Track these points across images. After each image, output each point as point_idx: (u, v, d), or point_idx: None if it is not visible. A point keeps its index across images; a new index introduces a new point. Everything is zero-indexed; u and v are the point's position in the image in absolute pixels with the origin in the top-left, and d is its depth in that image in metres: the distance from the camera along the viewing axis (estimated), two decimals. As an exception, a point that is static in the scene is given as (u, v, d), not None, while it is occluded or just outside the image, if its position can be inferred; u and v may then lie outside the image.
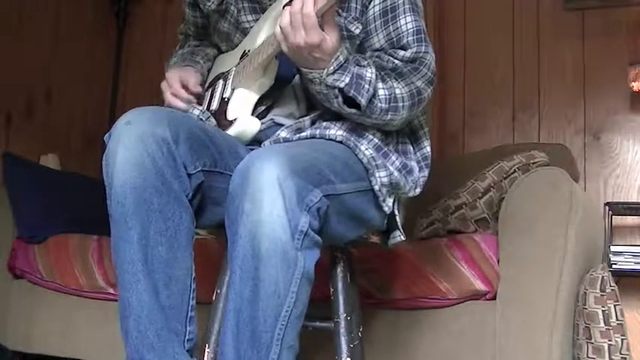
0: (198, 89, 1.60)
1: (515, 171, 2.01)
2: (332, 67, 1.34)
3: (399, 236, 1.47)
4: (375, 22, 1.47)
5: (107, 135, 1.29)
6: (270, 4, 1.54)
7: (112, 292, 2.24)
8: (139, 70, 3.37)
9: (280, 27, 1.32)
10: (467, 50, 2.89)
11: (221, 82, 1.58)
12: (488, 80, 2.83)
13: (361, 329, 1.46)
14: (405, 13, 1.47)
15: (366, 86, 1.37)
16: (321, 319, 1.40)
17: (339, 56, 1.34)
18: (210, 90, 1.61)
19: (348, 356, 1.36)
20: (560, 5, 2.76)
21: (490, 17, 2.87)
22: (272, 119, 1.52)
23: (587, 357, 1.70)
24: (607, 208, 2.35)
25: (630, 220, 2.54)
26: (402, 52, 1.46)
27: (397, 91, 1.41)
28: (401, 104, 1.42)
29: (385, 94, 1.39)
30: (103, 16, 3.34)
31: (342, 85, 1.35)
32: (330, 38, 1.32)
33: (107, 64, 3.34)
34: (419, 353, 1.81)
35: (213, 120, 1.52)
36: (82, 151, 3.20)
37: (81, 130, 3.21)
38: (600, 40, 2.67)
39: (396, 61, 1.45)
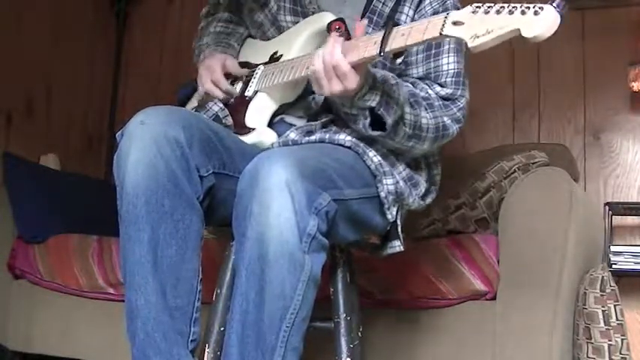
0: (240, 71, 1.55)
1: (515, 171, 2.01)
2: (364, 90, 1.32)
3: (397, 246, 1.47)
4: (417, 54, 1.47)
5: (119, 133, 1.29)
6: (313, 13, 1.52)
7: (112, 292, 2.24)
8: (139, 70, 3.37)
9: (313, 71, 1.31)
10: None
11: (245, 74, 1.56)
12: (488, 80, 2.82)
13: (361, 329, 1.46)
14: (448, 53, 1.46)
15: (395, 107, 1.36)
16: (321, 319, 1.40)
17: (368, 79, 1.33)
18: (232, 78, 1.58)
19: (348, 356, 1.36)
20: (560, 5, 2.76)
21: (490, 17, 2.87)
22: (282, 117, 1.52)
23: (587, 357, 1.70)
24: (607, 208, 2.35)
25: (630, 220, 2.54)
26: (438, 88, 1.46)
27: (423, 120, 1.41)
28: (425, 134, 1.42)
29: (411, 120, 1.39)
30: (103, 16, 3.33)
31: (373, 104, 1.34)
32: (363, 76, 1.30)
33: (107, 64, 3.34)
34: (419, 353, 1.81)
35: (230, 119, 1.51)
36: (82, 151, 3.20)
37: (81, 130, 3.21)
38: (600, 40, 2.67)
39: (430, 92, 1.45)
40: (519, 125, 2.78)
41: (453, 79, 1.47)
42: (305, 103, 1.52)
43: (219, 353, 1.32)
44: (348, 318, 1.39)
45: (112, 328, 2.14)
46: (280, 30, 1.57)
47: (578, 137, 2.68)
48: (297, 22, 1.55)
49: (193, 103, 1.65)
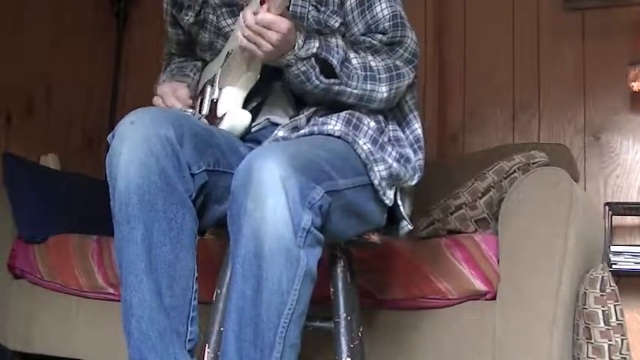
0: (189, 102, 1.60)
1: (515, 171, 2.01)
2: (300, 40, 1.37)
3: (406, 226, 1.48)
4: (352, 12, 1.51)
5: (110, 135, 1.29)
6: (248, 3, 1.52)
7: (112, 292, 2.24)
8: (139, 70, 3.37)
9: (243, 38, 1.35)
10: (467, 50, 2.89)
11: (209, 86, 1.59)
12: (488, 80, 2.82)
13: (361, 329, 1.46)
14: (379, 1, 1.49)
15: (335, 48, 1.40)
16: (321, 319, 1.40)
17: (302, 31, 1.38)
18: (200, 97, 1.61)
19: (348, 356, 1.36)
20: (560, 5, 2.76)
21: (490, 17, 2.87)
22: (267, 119, 1.52)
23: (587, 357, 1.70)
24: (607, 208, 2.35)
25: (630, 220, 2.54)
26: (379, 36, 1.49)
27: (372, 63, 1.44)
28: (378, 75, 1.44)
29: (359, 62, 1.43)
30: (103, 16, 3.34)
31: (314, 49, 1.38)
32: (288, 18, 1.35)
33: (107, 64, 3.34)
34: (419, 353, 1.81)
35: (205, 120, 1.52)
36: (82, 151, 3.20)
37: (81, 130, 3.21)
38: (600, 40, 2.67)
39: (374, 42, 1.48)
40: (519, 125, 2.78)
41: (391, 22, 1.49)
42: (281, 97, 1.53)
43: (219, 353, 1.32)
44: (348, 318, 1.39)
45: (112, 328, 2.14)
46: (227, 37, 1.59)
47: (578, 137, 2.69)
48: (237, 21, 1.56)
49: None
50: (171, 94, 1.59)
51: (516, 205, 1.75)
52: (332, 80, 1.41)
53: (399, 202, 1.46)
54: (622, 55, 2.61)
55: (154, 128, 1.25)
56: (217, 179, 1.35)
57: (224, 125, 1.47)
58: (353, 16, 1.51)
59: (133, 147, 1.24)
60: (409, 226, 1.48)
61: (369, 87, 1.43)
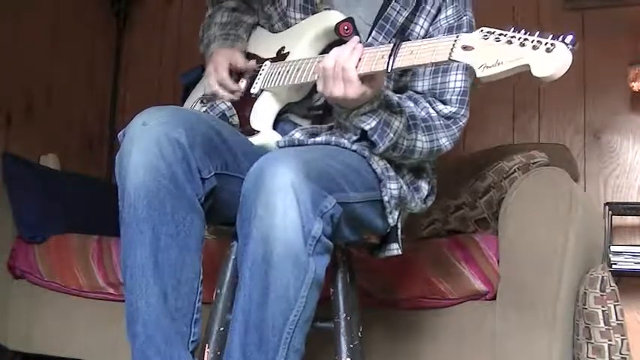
0: (251, 64, 1.54)
1: (515, 171, 2.01)
2: (362, 110, 1.32)
3: (395, 249, 1.47)
4: (425, 66, 1.45)
5: (121, 133, 1.28)
6: (324, 10, 1.51)
7: (112, 292, 2.24)
8: (139, 71, 3.37)
9: (323, 67, 1.31)
10: (467, 50, 2.88)
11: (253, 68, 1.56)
12: (488, 80, 2.82)
13: (361, 329, 1.46)
14: (457, 70, 1.44)
15: (390, 135, 1.36)
16: (321, 319, 1.40)
17: (373, 102, 1.33)
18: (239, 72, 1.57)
19: (348, 356, 1.36)
20: (560, 5, 2.76)
21: (490, 17, 2.86)
22: (288, 116, 1.52)
23: (587, 357, 1.70)
24: (607, 208, 2.35)
25: (630, 220, 2.54)
26: (441, 106, 1.45)
27: (418, 144, 1.41)
28: (416, 156, 1.43)
29: (403, 145, 1.40)
30: (103, 16, 3.33)
31: (366, 127, 1.34)
32: (371, 90, 1.30)
33: (107, 64, 3.34)
34: (419, 353, 1.81)
35: (236, 118, 1.50)
36: (82, 151, 3.20)
37: (81, 130, 3.21)
38: (600, 40, 2.67)
39: (431, 112, 1.44)
40: (519, 125, 2.78)
41: (459, 97, 1.46)
42: (310, 102, 1.52)
43: (219, 353, 1.32)
44: (348, 318, 1.39)
45: (112, 328, 2.14)
46: (288, 25, 1.56)
47: (578, 137, 2.68)
48: (304, 19, 1.53)
49: (199, 91, 1.63)
50: (227, 65, 1.53)
51: (516, 205, 1.75)
52: (364, 143, 1.38)
53: (398, 225, 1.45)
54: (622, 55, 2.60)
55: (165, 131, 1.23)
56: (225, 183, 1.33)
57: (254, 142, 1.46)
58: (424, 71, 1.46)
59: (144, 149, 1.22)
60: (399, 250, 1.46)
61: (395, 159, 1.43)
